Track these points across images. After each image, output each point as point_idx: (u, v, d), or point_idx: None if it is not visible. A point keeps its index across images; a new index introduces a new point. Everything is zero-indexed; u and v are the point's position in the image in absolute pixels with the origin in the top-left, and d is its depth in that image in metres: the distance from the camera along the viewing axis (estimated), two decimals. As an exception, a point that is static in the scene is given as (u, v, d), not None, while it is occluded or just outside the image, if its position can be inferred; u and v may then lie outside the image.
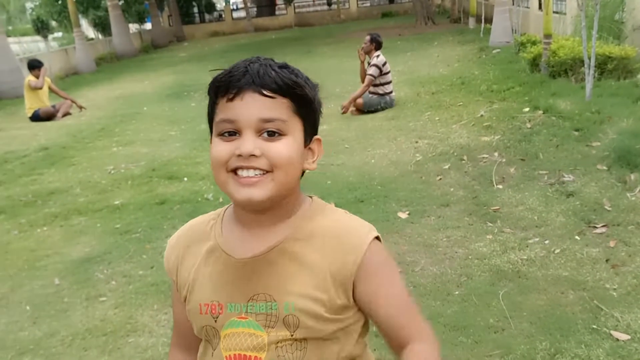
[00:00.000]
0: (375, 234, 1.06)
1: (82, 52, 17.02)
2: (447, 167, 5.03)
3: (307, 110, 1.03)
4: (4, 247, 4.32)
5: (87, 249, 4.14)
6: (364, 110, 7.51)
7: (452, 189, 4.51)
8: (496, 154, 5.15)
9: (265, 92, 0.97)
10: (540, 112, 6.03)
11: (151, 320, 3.09)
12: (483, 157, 5.12)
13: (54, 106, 9.56)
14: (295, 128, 1.01)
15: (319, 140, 1.08)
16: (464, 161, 5.12)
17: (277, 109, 0.98)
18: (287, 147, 0.99)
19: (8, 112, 10.71)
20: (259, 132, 0.98)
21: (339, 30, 21.43)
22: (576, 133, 5.24)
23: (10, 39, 15.72)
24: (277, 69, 1.00)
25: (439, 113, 6.94)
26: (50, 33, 22.20)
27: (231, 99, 0.98)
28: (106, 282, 3.59)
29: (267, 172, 0.98)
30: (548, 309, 2.79)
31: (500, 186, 4.42)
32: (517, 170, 4.70)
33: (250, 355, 1.04)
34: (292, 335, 1.02)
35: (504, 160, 4.97)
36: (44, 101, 9.55)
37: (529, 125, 5.73)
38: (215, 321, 1.06)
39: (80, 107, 9.88)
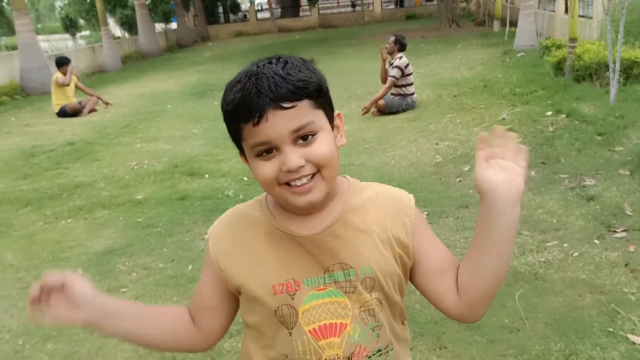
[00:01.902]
0: (413, 196, 1.16)
1: (109, 50, 17.31)
2: (467, 169, 5.02)
3: (323, 98, 1.05)
4: (30, 238, 4.44)
5: (110, 241, 4.23)
6: (385, 111, 7.52)
7: (471, 191, 4.50)
8: (517, 157, 5.11)
9: (285, 105, 0.97)
10: (563, 115, 5.98)
11: (170, 311, 3.15)
12: (503, 160, 5.09)
13: (80, 102, 9.75)
14: (322, 120, 1.03)
15: (339, 115, 1.11)
16: (484, 163, 5.09)
17: (301, 114, 0.99)
18: (324, 144, 1.02)
19: (36, 108, 10.94)
20: (295, 141, 1.00)
21: (363, 32, 21.45)
22: (599, 137, 5.19)
23: (40, 37, 16.04)
24: (282, 74, 0.99)
25: (460, 115, 6.92)
26: (78, 31, 22.58)
27: (257, 124, 0.98)
28: (127, 274, 3.67)
29: (315, 173, 1.02)
30: (564, 311, 2.78)
31: (520, 189, 4.40)
32: (537, 173, 4.67)
33: (336, 323, 1.08)
34: (371, 297, 1.09)
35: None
36: (71, 98, 9.76)
37: (551, 129, 5.69)
38: (293, 298, 1.07)
39: (107, 103, 10.06)
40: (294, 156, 0.99)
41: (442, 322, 2.76)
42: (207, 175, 5.61)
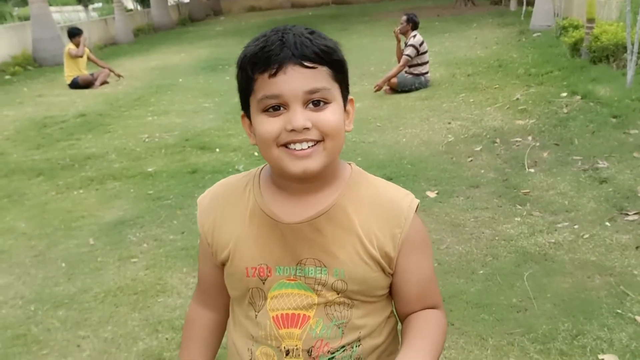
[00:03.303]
0: (416, 203, 1.09)
1: (121, 22, 17.26)
2: (478, 149, 4.99)
3: (343, 75, 1.03)
4: (42, 207, 4.48)
5: (121, 212, 4.27)
6: (397, 89, 7.47)
7: (482, 171, 4.48)
8: (530, 137, 5.08)
9: (306, 64, 0.95)
10: (578, 97, 5.91)
11: (180, 282, 3.18)
12: (516, 141, 5.06)
13: (92, 74, 9.76)
14: (336, 94, 1.00)
15: (352, 100, 1.08)
16: (496, 144, 5.07)
17: (319, 78, 0.97)
18: (334, 114, 0.99)
19: (48, 79, 10.96)
20: (305, 104, 0.97)
21: (376, 9, 21.19)
22: (614, 120, 5.13)
23: (52, 8, 15.99)
24: (310, 36, 0.98)
25: (473, 95, 6.86)
26: (90, 3, 22.51)
27: (273, 75, 0.95)
28: (138, 245, 3.70)
29: (318, 141, 0.98)
30: (573, 292, 2.78)
31: (532, 170, 4.38)
32: (550, 154, 4.63)
33: (299, 314, 1.06)
34: (340, 297, 1.06)
35: (537, 144, 4.90)
36: (83, 69, 9.76)
37: (565, 110, 5.62)
38: (264, 283, 1.07)
39: (119, 75, 10.06)
40: (301, 116, 0.96)
41: (450, 299, 2.77)
42: (217, 150, 5.62)
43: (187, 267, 3.34)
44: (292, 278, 1.05)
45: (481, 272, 3.05)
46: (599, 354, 2.32)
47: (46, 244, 3.83)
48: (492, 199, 3.96)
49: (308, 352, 1.06)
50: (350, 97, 1.07)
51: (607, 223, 3.44)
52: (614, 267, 2.96)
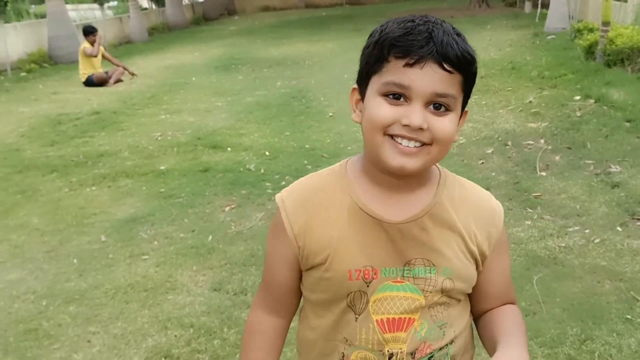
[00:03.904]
0: (502, 207, 1.12)
1: (136, 21, 17.36)
2: (490, 151, 4.97)
3: (470, 86, 0.99)
4: (55, 203, 4.53)
5: (132, 210, 4.30)
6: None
7: (493, 174, 4.47)
8: (542, 140, 5.06)
9: (446, 67, 0.92)
10: (592, 100, 5.87)
11: (190, 280, 3.21)
12: (528, 144, 5.04)
13: (106, 72, 9.84)
14: (459, 104, 0.97)
15: (465, 112, 1.04)
16: (508, 146, 5.05)
17: (452, 84, 0.94)
18: (451, 123, 0.96)
19: (63, 77, 11.06)
20: (427, 104, 0.94)
21: (390, 10, 21.15)
22: (627, 124, 5.09)
23: (68, 6, 16.14)
24: (457, 38, 0.94)
25: (486, 97, 6.83)
26: (106, 1, 22.67)
27: (410, 65, 0.91)
28: (149, 242, 3.73)
29: (425, 144, 0.95)
30: (582, 296, 2.77)
31: (544, 173, 4.36)
32: (562, 158, 4.61)
33: (404, 318, 1.04)
34: (445, 297, 1.05)
35: (549, 147, 4.88)
36: (97, 67, 9.85)
37: (578, 114, 5.59)
38: (368, 286, 1.02)
39: (132, 74, 10.13)
40: (420, 115, 0.92)
41: (458, 302, 2.77)
42: (229, 149, 5.65)
43: (197, 265, 3.37)
44: (399, 280, 1.02)
45: (490, 275, 3.04)
46: (607, 359, 2.31)
47: (59, 240, 3.87)
48: (503, 202, 3.92)
49: (412, 354, 1.05)
50: (465, 108, 1.04)
51: (619, 228, 3.42)
52: (624, 272, 2.95)
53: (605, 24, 7.44)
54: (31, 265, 3.55)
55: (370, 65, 0.97)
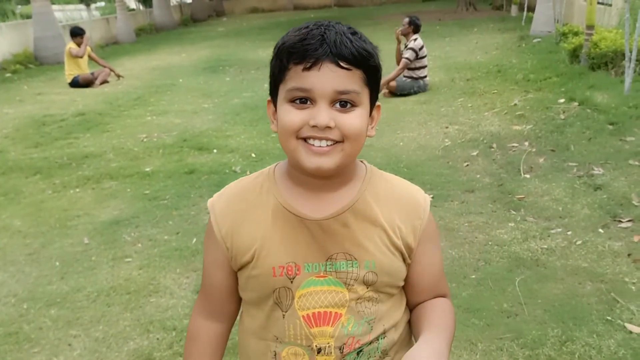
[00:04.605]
0: (429, 198, 1.15)
1: (123, 22, 17.28)
2: (475, 153, 5.00)
3: (375, 80, 1.03)
4: (38, 205, 4.49)
5: (116, 212, 4.27)
6: (396, 93, 7.48)
7: (478, 176, 4.49)
8: (526, 143, 5.09)
9: (342, 64, 0.96)
10: (576, 103, 5.92)
11: (173, 282, 3.19)
12: (513, 146, 5.07)
13: (92, 73, 9.78)
14: (365, 98, 1.01)
15: (379, 107, 1.08)
16: (493, 149, 5.08)
17: (352, 80, 0.97)
18: (359, 118, 0.99)
19: (49, 77, 10.98)
20: (332, 103, 0.97)
21: (378, 13, 21.24)
22: (610, 127, 5.14)
23: (54, 7, 16.01)
24: (351, 37, 0.98)
25: (472, 100, 6.87)
26: (93, 2, 22.53)
27: (308, 69, 0.96)
28: (132, 245, 3.71)
29: (337, 142, 0.98)
30: (563, 298, 2.79)
31: (528, 175, 4.39)
32: (546, 160, 4.64)
33: (330, 312, 1.06)
34: (370, 291, 1.07)
35: (533, 150, 4.91)
36: (84, 68, 9.78)
37: (562, 117, 5.63)
38: (292, 282, 1.05)
39: (119, 76, 10.08)
40: (326, 114, 0.96)
41: (441, 303, 2.77)
42: (215, 151, 5.63)
43: (180, 267, 3.35)
44: (322, 274, 1.05)
45: (473, 276, 3.05)
46: (587, 360, 2.33)
47: (41, 243, 3.83)
48: (487, 204, 3.97)
49: (340, 349, 1.07)
50: (377, 103, 1.08)
51: (600, 230, 3.45)
52: (605, 274, 2.97)
53: (590, 27, 7.52)
54: (12, 268, 3.51)
55: (275, 75, 1.02)
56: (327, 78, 0.95)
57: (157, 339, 2.68)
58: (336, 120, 0.97)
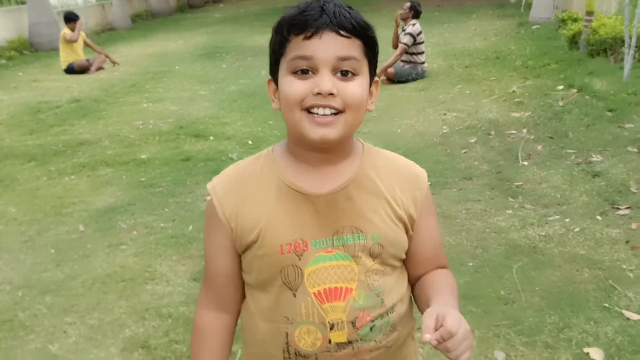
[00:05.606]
0: (425, 172, 1.17)
1: (119, 8, 17.11)
2: (473, 140, 4.97)
3: (373, 53, 1.05)
4: (33, 193, 4.46)
5: (112, 199, 4.25)
6: (394, 79, 7.43)
7: (476, 163, 4.47)
8: (525, 130, 5.07)
9: (342, 32, 0.98)
10: (575, 90, 5.89)
11: (169, 270, 3.18)
12: (511, 133, 5.05)
13: (88, 60, 9.68)
14: (365, 68, 1.03)
15: (377, 82, 1.10)
16: (491, 136, 5.05)
17: (352, 48, 1.00)
18: (360, 87, 1.01)
19: (44, 64, 10.88)
20: (334, 72, 0.99)
21: (376, -1, 21.07)
22: (609, 114, 5.12)
23: (49, -8, 15.83)
24: (349, 10, 1.01)
25: (470, 87, 6.83)
26: (88, -12, 22.31)
27: (309, 37, 0.98)
28: (128, 232, 3.68)
29: (340, 112, 1.00)
30: (561, 285, 2.78)
31: (526, 162, 4.37)
32: (544, 147, 4.62)
33: (341, 287, 1.06)
34: (377, 263, 1.08)
35: (532, 137, 4.89)
36: (79, 54, 9.69)
37: (561, 104, 5.61)
38: (300, 259, 1.05)
39: (114, 62, 9.99)
40: (329, 81, 0.98)
41: (438, 291, 2.76)
42: (211, 138, 5.59)
43: (176, 255, 3.33)
44: (329, 249, 1.06)
45: (470, 264, 3.04)
46: (584, 347, 2.33)
47: (36, 230, 3.81)
48: (485, 191, 3.95)
49: (352, 323, 1.07)
50: (376, 78, 1.09)
51: (598, 217, 3.43)
52: (603, 261, 2.96)
53: (589, 13, 7.47)
54: (7, 255, 3.49)
55: (276, 51, 1.04)
56: (328, 45, 0.98)
57: (153, 326, 2.67)
58: (338, 88, 0.98)
